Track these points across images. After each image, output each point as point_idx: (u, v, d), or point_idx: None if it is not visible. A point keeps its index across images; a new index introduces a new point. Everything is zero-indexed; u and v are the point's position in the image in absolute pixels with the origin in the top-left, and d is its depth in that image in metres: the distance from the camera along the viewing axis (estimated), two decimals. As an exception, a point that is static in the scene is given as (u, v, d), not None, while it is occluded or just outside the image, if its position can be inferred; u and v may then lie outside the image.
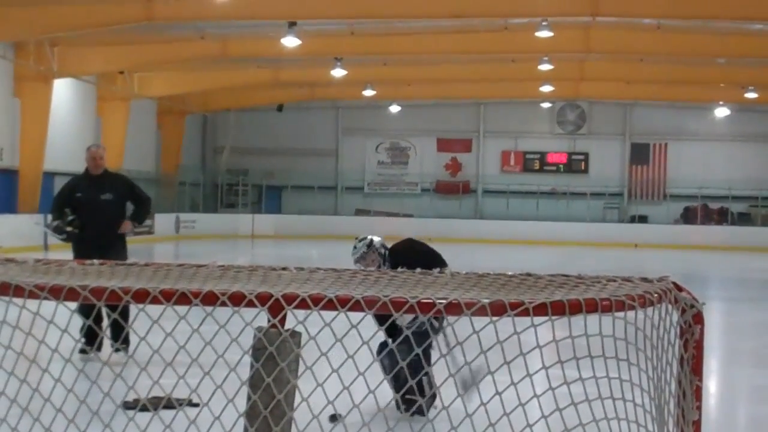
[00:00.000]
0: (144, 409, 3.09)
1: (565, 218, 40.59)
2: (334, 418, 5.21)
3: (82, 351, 8.78)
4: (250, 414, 2.73)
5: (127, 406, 3.82)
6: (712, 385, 9.34)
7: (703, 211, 41.18)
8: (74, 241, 10.03)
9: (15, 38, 27.07)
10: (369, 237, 8.02)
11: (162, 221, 33.94)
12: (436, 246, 8.09)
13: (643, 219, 41.59)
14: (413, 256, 7.75)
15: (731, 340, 13.01)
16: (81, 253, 9.72)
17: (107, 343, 9.44)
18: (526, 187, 42.50)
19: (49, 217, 10.42)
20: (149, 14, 24.18)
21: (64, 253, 10.10)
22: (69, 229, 9.97)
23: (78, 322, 3.84)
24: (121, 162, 32.15)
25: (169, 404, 3.22)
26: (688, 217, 41.50)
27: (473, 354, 2.91)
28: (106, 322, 9.52)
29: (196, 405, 3.09)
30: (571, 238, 37.16)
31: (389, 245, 8.01)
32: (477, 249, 32.27)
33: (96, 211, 10.01)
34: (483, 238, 37.03)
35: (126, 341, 8.26)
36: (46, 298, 2.83)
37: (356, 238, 8.08)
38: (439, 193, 43.63)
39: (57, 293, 2.82)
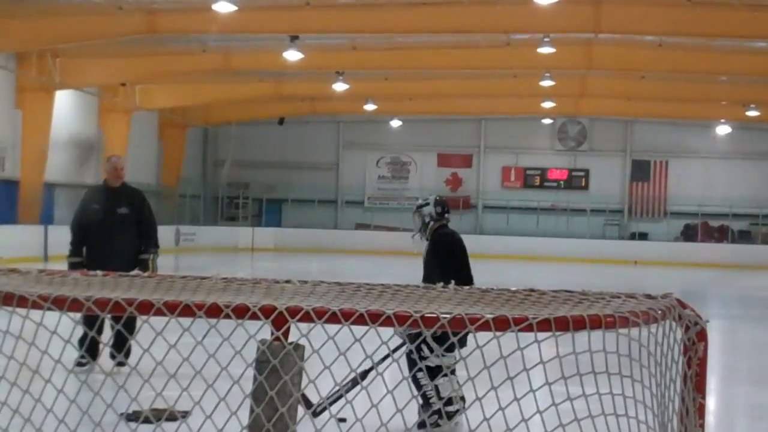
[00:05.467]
0: (146, 421, 3.09)
1: (565, 234, 40.60)
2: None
3: (80, 364, 8.61)
4: (253, 427, 2.73)
5: (129, 417, 3.82)
6: (711, 402, 9.32)
7: (703, 228, 41.18)
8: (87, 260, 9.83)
9: (17, 49, 27.12)
10: (428, 199, 8.09)
11: (162, 233, 33.64)
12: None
13: (643, 236, 41.55)
14: (430, 255, 7.79)
15: (731, 358, 12.99)
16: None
17: (104, 353, 9.36)
18: (526, 203, 42.53)
19: (71, 242, 10.03)
20: (152, 26, 24.24)
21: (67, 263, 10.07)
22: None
23: (77, 333, 3.83)
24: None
25: (171, 416, 3.22)
26: (688, 234, 41.49)
27: (477, 369, 2.91)
28: (106, 333, 9.49)
29: (185, 413, 3.08)
30: (571, 254, 37.12)
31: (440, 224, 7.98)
32: (476, 264, 32.13)
33: (111, 224, 9.86)
34: (483, 253, 36.78)
35: (127, 353, 8.20)
36: (49, 309, 2.82)
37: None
38: (440, 208, 43.57)
39: (61, 304, 2.82)
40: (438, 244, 7.86)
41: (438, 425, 6.97)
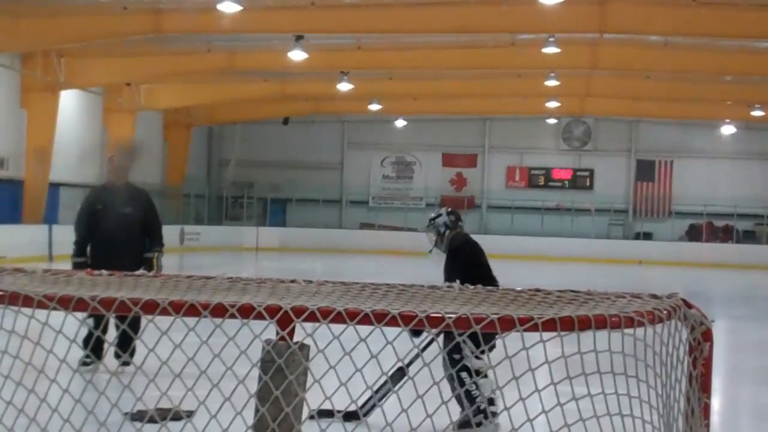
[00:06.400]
0: (151, 420, 3.09)
1: (569, 234, 40.56)
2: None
3: (84, 363, 8.58)
4: (258, 426, 2.73)
5: (134, 417, 3.82)
6: (716, 402, 9.31)
7: (708, 228, 41.13)
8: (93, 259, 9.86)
9: (22, 49, 27.13)
10: (440, 211, 8.10)
11: (166, 233, 33.53)
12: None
13: (647, 236, 41.50)
14: (450, 263, 7.76)
15: (736, 358, 12.97)
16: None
17: (108, 353, 9.36)
18: (530, 203, 42.50)
19: (75, 241, 10.09)
20: (157, 26, 24.25)
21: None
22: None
23: (81, 333, 3.83)
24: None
25: (176, 416, 3.22)
26: (693, 234, 41.43)
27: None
28: (111, 333, 9.48)
29: (190, 413, 3.08)
30: (576, 254, 37.10)
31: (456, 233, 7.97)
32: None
33: (115, 223, 9.86)
34: (487, 253, 36.72)
35: (131, 353, 8.20)
36: (54, 309, 2.82)
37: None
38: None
39: (66, 303, 2.82)
40: (457, 254, 7.83)
41: (481, 424, 6.96)
